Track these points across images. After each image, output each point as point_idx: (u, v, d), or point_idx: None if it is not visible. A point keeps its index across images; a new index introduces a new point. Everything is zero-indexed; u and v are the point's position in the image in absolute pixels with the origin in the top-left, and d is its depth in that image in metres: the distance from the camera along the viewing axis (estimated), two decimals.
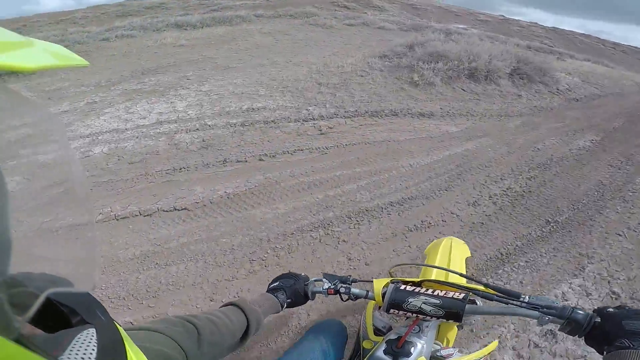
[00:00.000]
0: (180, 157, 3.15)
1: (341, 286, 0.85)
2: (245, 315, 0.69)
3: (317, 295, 0.90)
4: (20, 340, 0.19)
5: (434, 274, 0.98)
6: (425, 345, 0.73)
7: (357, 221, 2.32)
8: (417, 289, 0.73)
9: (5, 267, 0.21)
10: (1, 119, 0.21)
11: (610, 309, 0.61)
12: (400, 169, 2.99)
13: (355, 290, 0.85)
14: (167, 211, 2.44)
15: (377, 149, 3.32)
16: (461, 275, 0.82)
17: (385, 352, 0.71)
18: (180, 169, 2.97)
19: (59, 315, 0.30)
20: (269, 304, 0.80)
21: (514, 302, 0.67)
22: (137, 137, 3.54)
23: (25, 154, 0.23)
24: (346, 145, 3.37)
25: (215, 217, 2.39)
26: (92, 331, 0.28)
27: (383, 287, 0.78)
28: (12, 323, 0.19)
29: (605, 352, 0.56)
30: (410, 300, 0.71)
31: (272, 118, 3.86)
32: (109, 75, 5.80)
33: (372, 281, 0.82)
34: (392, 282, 0.78)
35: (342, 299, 0.85)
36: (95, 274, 0.27)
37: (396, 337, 0.73)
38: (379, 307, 0.78)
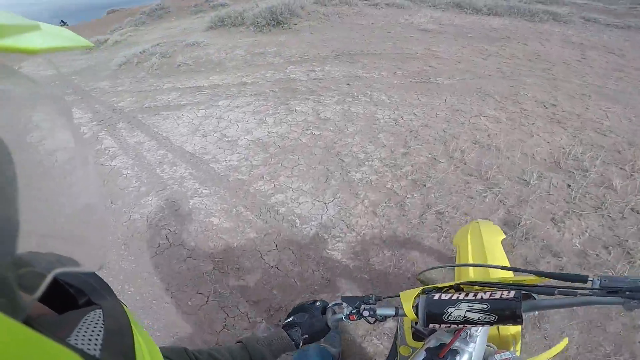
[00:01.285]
0: None
1: (364, 308, 0.71)
2: (249, 355, 0.65)
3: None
4: (27, 321, 0.19)
5: (471, 272, 0.85)
6: (474, 352, 0.63)
7: None
8: (456, 295, 0.60)
9: (13, 247, 0.20)
10: (9, 101, 0.21)
11: None
12: None
13: (381, 310, 0.70)
14: None
15: None
16: (504, 268, 0.68)
17: None
18: None
19: (66, 296, 0.30)
20: (281, 343, 0.72)
21: (582, 291, 0.53)
22: None
23: (33, 134, 0.23)
24: None
25: None
26: (99, 312, 0.28)
27: (414, 300, 0.65)
28: (20, 304, 0.19)
29: None
30: (450, 310, 0.58)
31: None
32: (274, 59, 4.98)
33: (399, 296, 0.69)
34: (423, 291, 0.65)
35: (369, 322, 0.72)
36: (103, 254, 0.27)
37: (438, 344, 0.64)
38: (416, 324, 0.70)
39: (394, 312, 0.69)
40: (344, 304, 0.73)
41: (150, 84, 4.81)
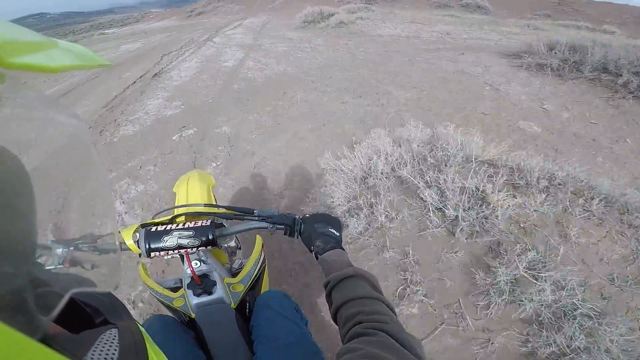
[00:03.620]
0: None
1: (80, 248, 0.65)
2: None
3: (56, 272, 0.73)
4: (45, 340, 0.19)
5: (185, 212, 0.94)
6: (217, 270, 0.80)
7: None
8: (171, 226, 0.73)
9: (30, 266, 0.21)
10: (27, 120, 0.21)
11: (308, 215, 0.73)
12: None
13: (103, 246, 0.73)
14: None
15: None
16: (206, 205, 0.84)
17: (196, 295, 0.77)
18: None
19: (83, 315, 0.30)
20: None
21: (250, 218, 0.76)
22: None
23: (50, 157, 0.23)
24: None
25: None
26: (114, 332, 0.29)
27: (134, 235, 0.75)
28: (38, 323, 0.19)
29: (314, 254, 0.67)
30: (165, 238, 0.71)
31: None
32: None
33: (119, 232, 0.77)
34: (142, 226, 0.75)
35: (83, 267, 0.64)
36: (117, 274, 0.28)
37: (190, 279, 0.78)
38: (140, 255, 0.75)
39: (116, 247, 0.69)
40: (54, 245, 0.66)
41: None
